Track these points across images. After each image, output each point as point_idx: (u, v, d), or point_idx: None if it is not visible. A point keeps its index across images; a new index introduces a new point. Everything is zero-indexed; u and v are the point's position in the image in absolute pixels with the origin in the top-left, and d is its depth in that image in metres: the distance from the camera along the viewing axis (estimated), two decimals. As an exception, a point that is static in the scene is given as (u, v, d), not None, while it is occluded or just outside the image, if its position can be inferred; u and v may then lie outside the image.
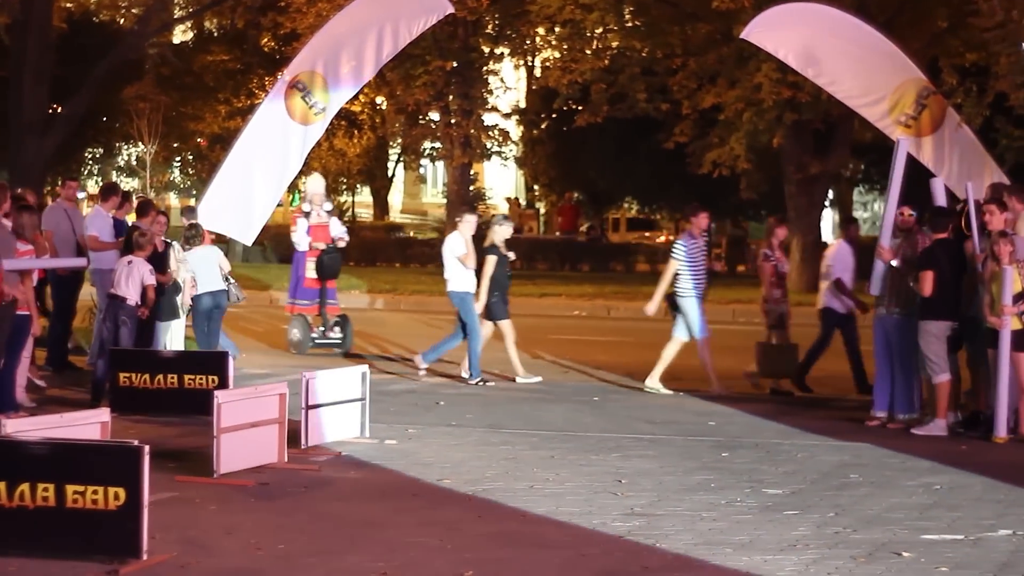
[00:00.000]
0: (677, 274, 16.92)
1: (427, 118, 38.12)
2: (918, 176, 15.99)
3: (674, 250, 17.12)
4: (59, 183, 26.34)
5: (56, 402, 14.87)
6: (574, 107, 36.76)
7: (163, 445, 12.02)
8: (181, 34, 50.01)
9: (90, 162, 46.25)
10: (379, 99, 43.37)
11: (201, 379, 14.03)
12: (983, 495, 11.05)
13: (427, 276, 35.92)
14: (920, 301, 14.11)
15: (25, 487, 8.44)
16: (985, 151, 17.74)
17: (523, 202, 56.69)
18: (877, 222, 15.89)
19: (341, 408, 13.00)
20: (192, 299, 17.07)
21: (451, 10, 19.88)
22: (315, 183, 20.96)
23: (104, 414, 10.38)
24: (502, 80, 39.30)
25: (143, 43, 33.73)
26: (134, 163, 48.00)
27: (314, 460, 12.04)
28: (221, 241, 19.22)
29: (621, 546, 9.25)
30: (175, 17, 39.65)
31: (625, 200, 51.27)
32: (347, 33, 18.71)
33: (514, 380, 17.51)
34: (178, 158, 48.83)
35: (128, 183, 46.98)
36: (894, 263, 14.47)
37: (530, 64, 50.53)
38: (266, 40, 43.32)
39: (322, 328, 19.97)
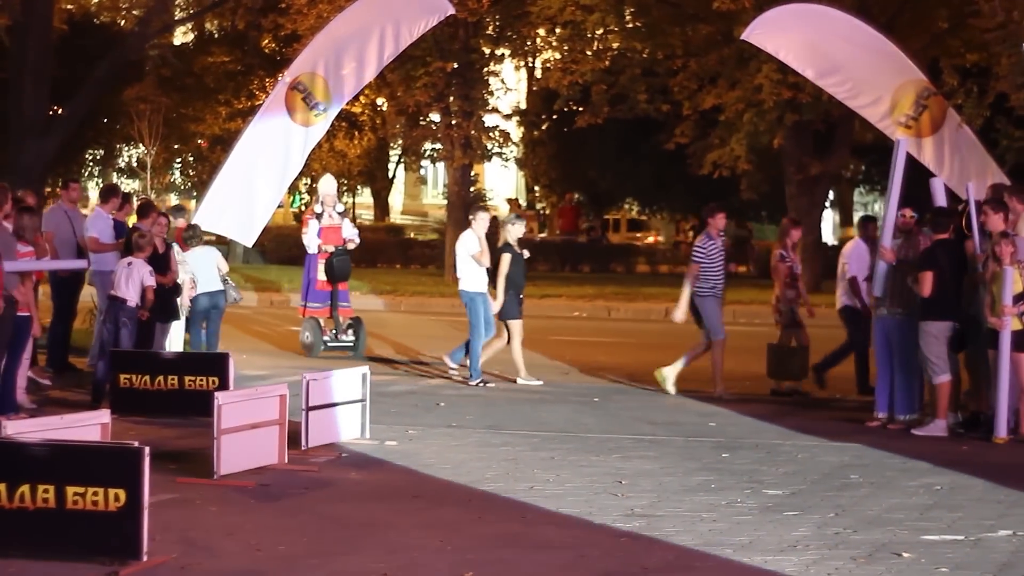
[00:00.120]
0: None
1: (428, 119, 38.08)
2: (919, 177, 15.99)
3: (694, 252, 17.09)
4: (59, 184, 26.32)
5: (56, 403, 14.88)
6: (575, 108, 36.77)
7: (163, 446, 12.03)
8: (182, 35, 50.02)
9: (91, 164, 46.22)
10: (380, 100, 43.36)
11: (201, 380, 14.04)
12: (983, 496, 11.05)
13: (427, 277, 35.99)
14: (920, 302, 14.11)
15: (25, 488, 8.44)
16: (986, 152, 17.75)
17: (523, 203, 56.70)
18: (878, 221, 15.78)
19: (341, 409, 13.00)
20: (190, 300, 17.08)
21: (452, 11, 19.88)
22: (327, 184, 20.67)
23: (104, 415, 10.39)
24: (503, 81, 39.22)
25: (144, 44, 33.65)
26: (135, 165, 47.99)
27: (314, 461, 12.04)
28: (221, 242, 19.21)
29: (621, 547, 9.25)
30: (176, 19, 39.57)
31: (626, 201, 51.30)
32: (348, 35, 18.70)
33: (515, 381, 17.50)
34: (179, 159, 48.83)
35: (129, 185, 46.98)
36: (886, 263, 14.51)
37: (531, 65, 50.52)
38: (267, 41, 43.30)
39: (334, 331, 19.87)
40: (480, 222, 17.73)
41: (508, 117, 43.24)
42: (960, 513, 10.35)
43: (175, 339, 16.68)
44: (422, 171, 61.10)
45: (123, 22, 45.02)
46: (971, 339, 14.15)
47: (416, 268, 41.26)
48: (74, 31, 37.83)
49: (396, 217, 59.50)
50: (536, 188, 54.46)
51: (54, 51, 26.60)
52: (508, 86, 41.02)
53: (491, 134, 38.00)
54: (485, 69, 36.58)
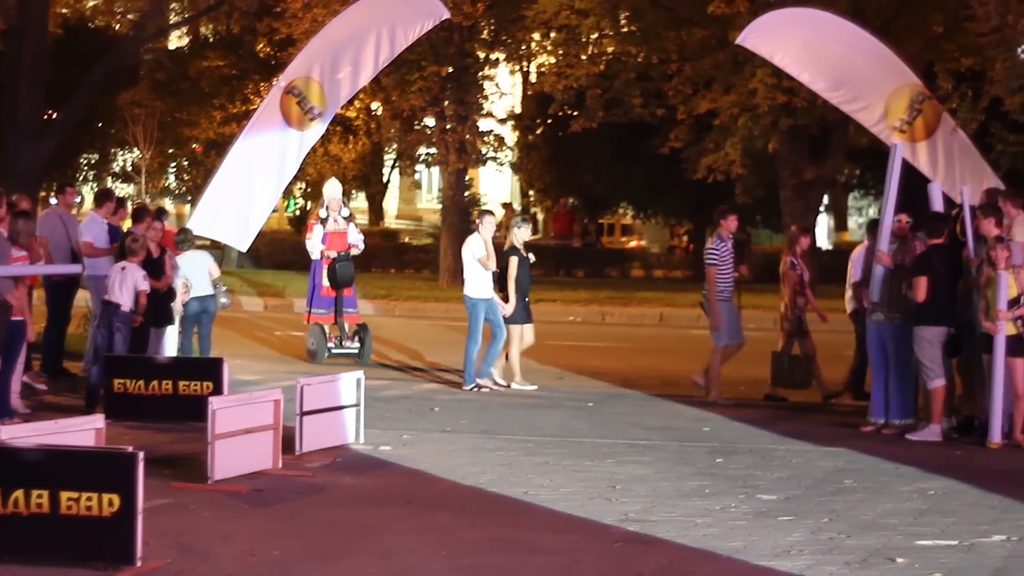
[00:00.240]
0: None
1: (422, 123, 38.07)
2: (915, 181, 15.99)
3: (707, 255, 17.09)
4: (55, 189, 26.28)
5: (51, 408, 14.87)
6: (569, 112, 36.71)
7: (157, 451, 12.01)
8: (177, 40, 49.93)
9: (85, 168, 46.16)
10: (375, 104, 43.31)
11: (196, 385, 14.04)
12: (977, 501, 11.06)
13: (422, 282, 35.93)
14: (915, 307, 14.12)
15: (19, 493, 8.44)
16: (980, 156, 17.75)
17: (518, 207, 56.66)
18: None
19: (336, 414, 12.99)
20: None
21: (447, 15, 19.85)
22: (332, 188, 20.50)
23: (99, 420, 10.40)
24: (497, 85, 39.24)
25: (139, 48, 33.57)
26: (129, 169, 47.93)
27: (308, 466, 12.04)
28: (215, 247, 19.19)
29: (616, 552, 9.26)
30: (171, 23, 39.57)
31: (620, 205, 51.28)
32: (343, 39, 18.69)
33: (509, 386, 17.50)
34: (173, 164, 48.77)
35: (123, 189, 46.90)
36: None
37: (525, 69, 50.50)
38: (262, 46, 43.23)
39: (339, 337, 19.77)
40: (487, 226, 17.72)
41: (503, 121, 43.24)
42: (954, 518, 10.36)
43: (169, 344, 16.66)
44: (417, 175, 61.05)
45: (118, 26, 44.97)
46: (966, 344, 14.16)
47: (411, 273, 41.20)
48: (69, 35, 37.80)
49: (391, 222, 59.43)
50: (531, 192, 54.39)
51: (49, 55, 26.54)
52: (503, 90, 41.08)
53: (486, 138, 38.03)
54: (480, 73, 36.60)
